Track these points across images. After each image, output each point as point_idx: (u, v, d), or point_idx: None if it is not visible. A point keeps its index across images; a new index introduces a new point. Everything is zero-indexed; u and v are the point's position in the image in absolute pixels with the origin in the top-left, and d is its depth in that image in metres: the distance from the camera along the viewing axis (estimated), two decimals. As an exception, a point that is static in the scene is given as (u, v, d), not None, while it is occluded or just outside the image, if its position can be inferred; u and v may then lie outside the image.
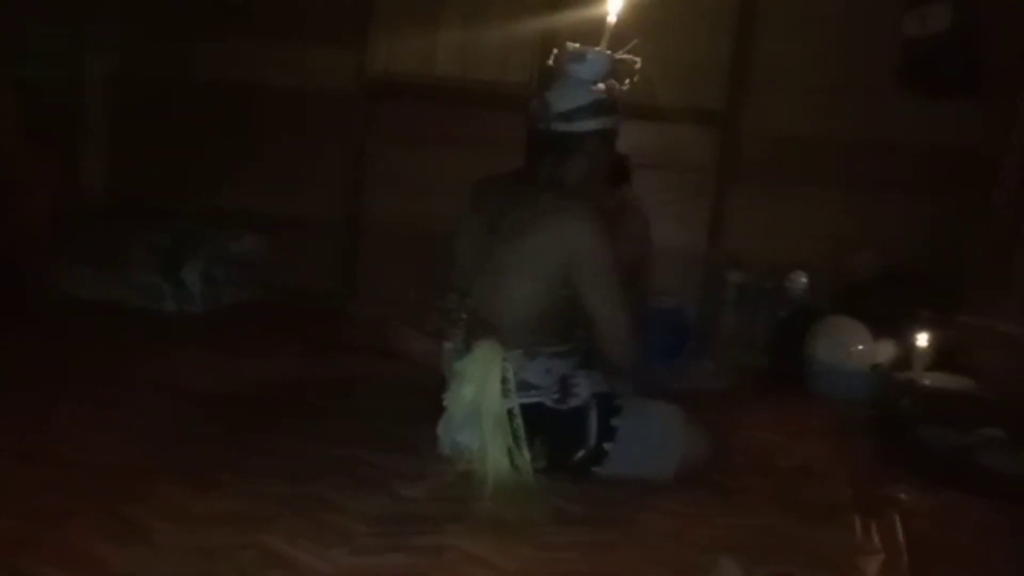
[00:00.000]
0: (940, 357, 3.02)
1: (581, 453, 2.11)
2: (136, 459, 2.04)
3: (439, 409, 2.15)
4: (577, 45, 2.20)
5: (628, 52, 2.21)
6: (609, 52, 2.19)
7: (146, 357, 2.86)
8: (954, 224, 3.53)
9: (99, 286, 3.54)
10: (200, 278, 3.60)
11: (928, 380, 2.90)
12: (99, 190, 4.05)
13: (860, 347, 3.13)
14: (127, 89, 4.04)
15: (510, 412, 2.06)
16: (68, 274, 3.54)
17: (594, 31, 2.29)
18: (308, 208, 3.98)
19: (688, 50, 3.66)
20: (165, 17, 3.97)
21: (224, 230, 3.78)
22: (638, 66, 2.20)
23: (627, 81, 2.21)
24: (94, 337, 3.08)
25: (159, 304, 3.53)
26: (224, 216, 3.86)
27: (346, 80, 3.93)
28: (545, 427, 2.09)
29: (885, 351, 3.10)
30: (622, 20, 2.25)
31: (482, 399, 2.06)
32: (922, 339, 2.89)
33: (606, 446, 2.11)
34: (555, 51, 2.23)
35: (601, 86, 2.16)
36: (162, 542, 1.66)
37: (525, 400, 2.08)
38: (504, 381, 2.07)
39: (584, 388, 2.12)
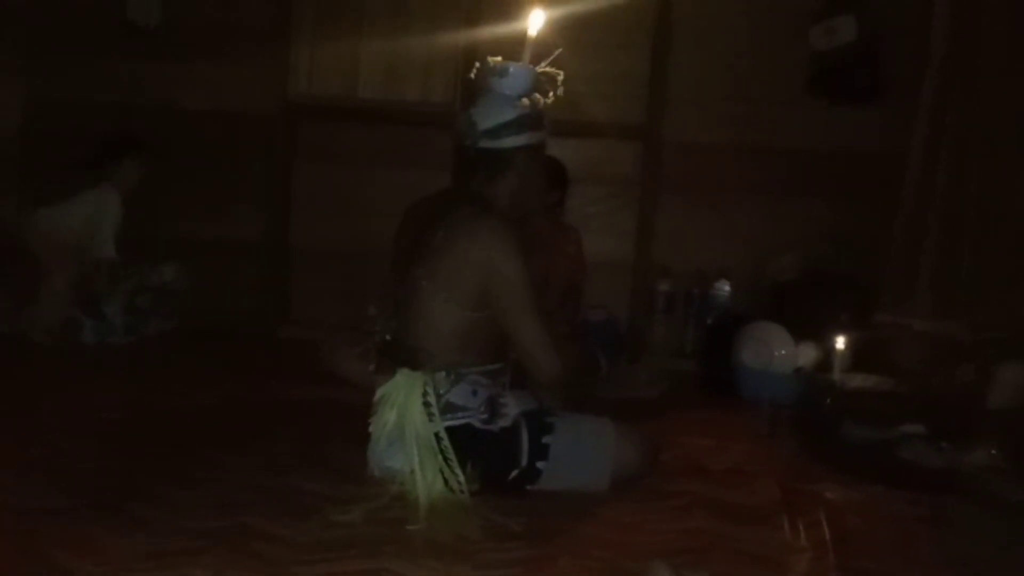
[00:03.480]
0: (860, 357, 3.12)
1: (514, 473, 2.10)
2: (55, 498, 1.96)
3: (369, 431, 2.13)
4: (499, 59, 2.18)
5: (551, 65, 2.20)
6: (531, 66, 2.18)
7: (65, 391, 2.77)
8: (867, 226, 3.66)
9: (12, 318, 3.42)
10: (122, 309, 3.51)
11: (848, 380, 2.99)
12: (8, 218, 3.91)
13: (783, 351, 3.22)
14: (39, 113, 3.92)
15: (437, 435, 2.05)
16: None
17: (515, 47, 2.30)
18: (233, 231, 3.92)
19: (607, 66, 3.74)
20: (79, 40, 3.87)
21: (145, 256, 3.69)
22: (561, 79, 2.19)
23: (550, 94, 2.20)
24: (8, 372, 2.96)
25: (77, 337, 3.42)
26: (145, 241, 3.76)
27: (267, 101, 3.89)
28: (476, 449, 2.07)
29: (807, 354, 3.20)
30: (542, 34, 2.26)
31: (405, 423, 2.04)
32: (840, 341, 2.99)
33: (539, 465, 2.10)
34: (477, 66, 2.20)
35: (526, 101, 2.15)
36: (85, 584, 1.60)
37: (452, 422, 2.07)
38: (427, 404, 2.05)
39: (512, 407, 2.11)
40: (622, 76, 3.80)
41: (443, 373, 2.08)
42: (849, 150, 3.73)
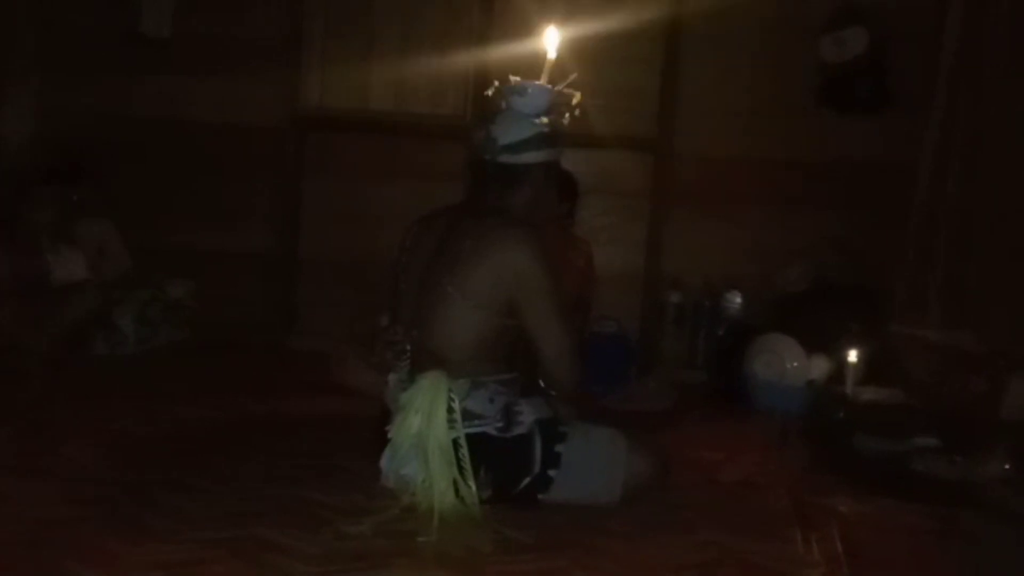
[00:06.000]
0: (871, 368, 3.11)
1: (526, 480, 2.11)
2: (65, 508, 1.97)
3: (382, 442, 2.13)
4: (518, 79, 2.23)
5: (568, 86, 2.25)
6: (550, 86, 2.23)
7: (75, 401, 2.78)
8: (877, 236, 3.66)
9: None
10: (133, 320, 3.53)
11: (860, 392, 2.98)
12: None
13: (795, 363, 3.20)
14: (50, 124, 3.95)
15: (455, 442, 2.06)
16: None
17: (526, 64, 2.33)
18: (243, 243, 3.94)
19: (618, 79, 3.76)
20: (90, 53, 3.91)
21: (155, 268, 3.71)
22: (577, 100, 2.25)
23: (566, 115, 2.25)
24: (18, 382, 2.98)
25: (88, 347, 3.44)
26: (155, 253, 3.78)
27: (279, 114, 3.91)
28: (490, 456, 2.08)
29: (819, 366, 3.18)
30: (561, 55, 2.30)
31: (429, 430, 2.04)
32: (852, 353, 2.97)
33: (551, 473, 2.11)
34: (495, 84, 2.26)
35: (544, 119, 2.21)
36: (96, 594, 1.61)
37: (470, 430, 2.07)
38: (450, 411, 2.06)
39: (527, 415, 2.13)
40: (633, 89, 3.81)
41: (462, 380, 2.09)
42: (858, 161, 3.72)
